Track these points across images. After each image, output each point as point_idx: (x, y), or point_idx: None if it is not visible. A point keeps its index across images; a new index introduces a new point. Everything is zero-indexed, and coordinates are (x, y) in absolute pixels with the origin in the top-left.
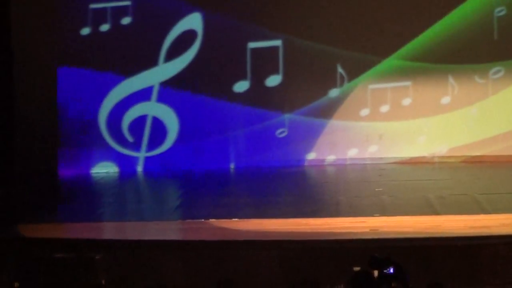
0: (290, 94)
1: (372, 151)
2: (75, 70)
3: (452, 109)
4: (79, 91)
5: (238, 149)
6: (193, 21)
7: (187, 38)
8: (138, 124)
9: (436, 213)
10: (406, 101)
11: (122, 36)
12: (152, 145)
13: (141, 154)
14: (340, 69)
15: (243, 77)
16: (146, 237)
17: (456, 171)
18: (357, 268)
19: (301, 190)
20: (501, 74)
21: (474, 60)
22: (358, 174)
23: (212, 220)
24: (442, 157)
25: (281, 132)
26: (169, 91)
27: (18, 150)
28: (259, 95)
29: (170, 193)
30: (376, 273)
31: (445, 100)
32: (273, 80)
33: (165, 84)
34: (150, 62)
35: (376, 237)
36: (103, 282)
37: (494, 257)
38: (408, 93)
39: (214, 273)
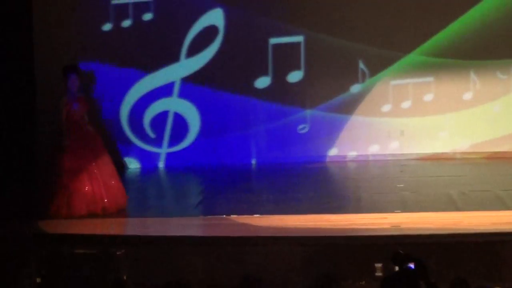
0: (311, 90)
1: (394, 147)
2: (96, 66)
3: (474, 105)
4: (100, 87)
5: (259, 145)
6: (215, 17)
7: (208, 34)
8: (159, 120)
9: (458, 209)
10: (428, 97)
11: (144, 32)
12: (174, 141)
13: (163, 150)
14: (361, 65)
15: (264, 73)
16: (168, 233)
17: (478, 167)
18: (378, 265)
19: (322, 186)
20: None
21: (496, 55)
22: (380, 170)
23: (233, 216)
24: (464, 153)
25: (303, 128)
26: (191, 87)
27: (39, 146)
28: (280, 91)
29: (191, 189)
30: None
31: (467, 96)
32: (294, 76)
33: (186, 80)
34: (172, 58)
35: (397, 233)
36: (124, 277)
37: None
38: (430, 88)
39: (235, 269)
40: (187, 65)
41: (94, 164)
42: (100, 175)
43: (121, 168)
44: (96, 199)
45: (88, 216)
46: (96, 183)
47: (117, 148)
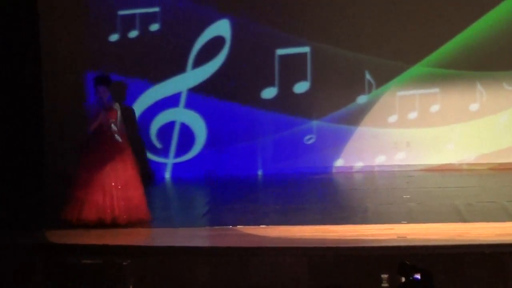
0: (318, 100)
1: (400, 158)
2: None
3: (480, 116)
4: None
5: (266, 155)
6: (222, 28)
7: (215, 44)
8: (166, 130)
9: (464, 220)
10: (434, 108)
11: (151, 43)
12: (180, 151)
13: (169, 160)
14: (368, 76)
15: (271, 83)
16: (174, 243)
17: (484, 178)
18: (384, 276)
19: (328, 197)
20: None
21: (502, 67)
22: (386, 181)
23: (240, 227)
24: (470, 164)
25: (309, 139)
26: (197, 97)
27: (47, 155)
28: (287, 102)
29: (197, 200)
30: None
31: (473, 107)
32: (301, 87)
33: (193, 91)
34: (179, 68)
35: (403, 244)
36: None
37: None
38: (436, 100)
39: (241, 280)
40: (194, 76)
41: (111, 175)
42: (115, 187)
43: (148, 178)
44: (106, 210)
45: (98, 225)
46: (109, 194)
47: (145, 159)
